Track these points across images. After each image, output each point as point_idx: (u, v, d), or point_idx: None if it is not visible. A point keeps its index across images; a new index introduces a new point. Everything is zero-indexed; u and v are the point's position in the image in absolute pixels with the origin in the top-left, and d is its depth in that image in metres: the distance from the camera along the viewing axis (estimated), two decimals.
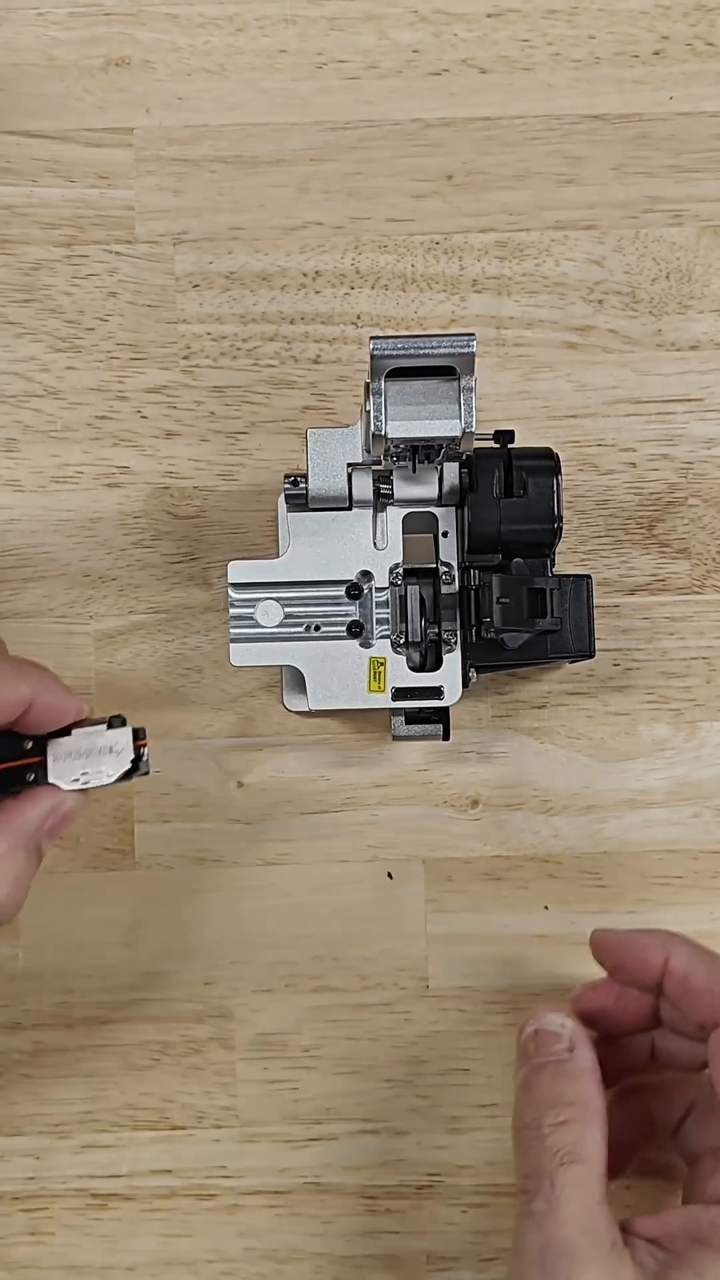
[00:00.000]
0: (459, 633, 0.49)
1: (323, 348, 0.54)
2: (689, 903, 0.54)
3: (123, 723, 0.45)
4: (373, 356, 0.45)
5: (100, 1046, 0.53)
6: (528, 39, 0.55)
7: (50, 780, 0.45)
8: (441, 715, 0.51)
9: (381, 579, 0.49)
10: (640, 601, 0.54)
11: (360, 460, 0.49)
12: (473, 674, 0.50)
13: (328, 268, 0.55)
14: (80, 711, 0.45)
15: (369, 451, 0.48)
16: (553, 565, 0.50)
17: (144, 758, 0.45)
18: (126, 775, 0.45)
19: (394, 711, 0.50)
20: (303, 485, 0.49)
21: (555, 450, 0.49)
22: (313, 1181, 0.53)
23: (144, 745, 0.45)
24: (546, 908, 0.54)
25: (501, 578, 0.48)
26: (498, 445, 0.49)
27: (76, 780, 0.45)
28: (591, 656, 0.50)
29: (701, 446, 0.54)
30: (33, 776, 0.45)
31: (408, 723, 0.51)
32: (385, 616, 0.49)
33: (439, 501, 0.50)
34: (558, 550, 0.50)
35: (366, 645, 0.49)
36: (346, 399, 0.54)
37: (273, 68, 0.55)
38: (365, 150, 0.55)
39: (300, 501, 0.50)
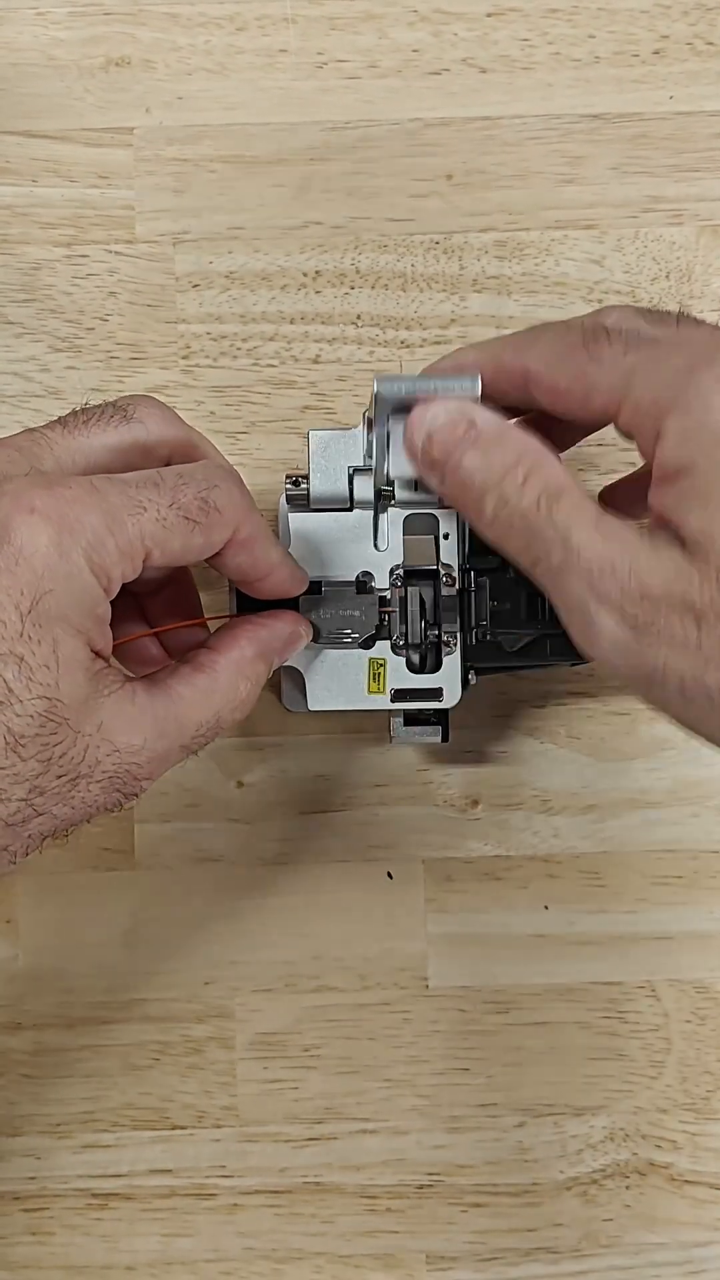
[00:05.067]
0: (459, 635, 0.49)
1: (322, 347, 0.54)
2: (689, 902, 0.54)
3: (368, 590, 0.48)
4: (378, 398, 0.44)
5: (100, 1046, 0.53)
6: (527, 38, 0.55)
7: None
8: (441, 717, 0.51)
9: (382, 580, 0.49)
10: None
11: (362, 464, 0.48)
12: (472, 676, 0.50)
13: (328, 267, 0.55)
14: (303, 583, 0.47)
15: (370, 458, 0.48)
16: None
17: (386, 624, 0.48)
18: (367, 643, 0.48)
19: (393, 713, 0.50)
20: (304, 485, 0.49)
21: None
22: (313, 1181, 0.53)
23: (389, 612, 0.48)
24: (546, 908, 0.54)
25: (493, 580, 0.48)
26: None
27: (329, 636, 0.48)
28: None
29: None
30: None
31: (407, 724, 0.51)
32: None
33: (440, 504, 0.49)
34: None
35: (366, 646, 0.49)
36: (346, 399, 0.54)
37: (273, 67, 0.55)
38: (365, 150, 0.55)
39: (301, 502, 0.50)
